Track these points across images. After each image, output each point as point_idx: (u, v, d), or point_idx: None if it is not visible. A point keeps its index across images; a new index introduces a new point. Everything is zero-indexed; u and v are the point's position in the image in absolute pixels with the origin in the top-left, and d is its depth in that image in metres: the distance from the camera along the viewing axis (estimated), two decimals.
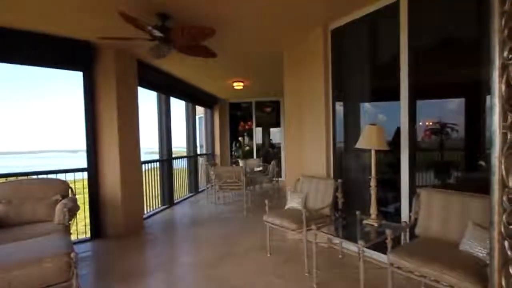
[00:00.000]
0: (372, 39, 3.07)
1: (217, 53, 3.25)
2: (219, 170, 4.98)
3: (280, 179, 7.25)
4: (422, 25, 2.53)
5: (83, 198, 3.75)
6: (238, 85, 6.05)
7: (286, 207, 3.16)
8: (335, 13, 2.96)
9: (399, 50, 2.50)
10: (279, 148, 8.41)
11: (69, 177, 3.61)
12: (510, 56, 1.14)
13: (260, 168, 6.03)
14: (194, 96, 6.61)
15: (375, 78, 3.20)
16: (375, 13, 2.73)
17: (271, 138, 9.01)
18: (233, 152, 7.87)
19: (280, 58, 3.93)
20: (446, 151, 3.54)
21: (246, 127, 8.05)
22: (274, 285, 2.44)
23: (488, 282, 1.50)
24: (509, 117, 1.16)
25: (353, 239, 2.19)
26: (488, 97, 2.93)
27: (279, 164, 7.49)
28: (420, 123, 3.28)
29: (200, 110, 7.92)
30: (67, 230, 2.65)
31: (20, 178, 3.31)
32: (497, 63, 1.20)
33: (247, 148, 5.96)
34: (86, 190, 3.80)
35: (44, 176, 3.40)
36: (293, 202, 3.09)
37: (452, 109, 3.33)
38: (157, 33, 2.66)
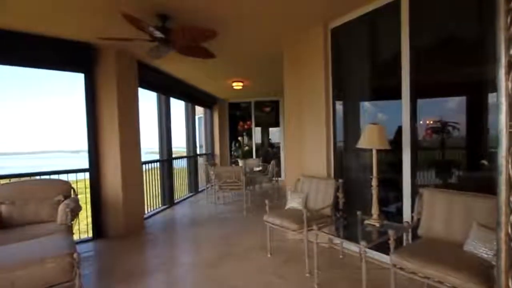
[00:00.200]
0: (372, 38, 3.04)
1: (216, 53, 3.24)
2: (218, 170, 4.95)
3: (279, 178, 7.22)
4: (423, 23, 2.49)
5: (85, 198, 3.77)
6: (237, 85, 6.02)
7: (287, 207, 3.12)
8: (335, 12, 2.92)
9: (400, 49, 2.47)
10: (278, 147, 8.38)
11: (71, 177, 3.64)
12: None
13: (260, 168, 6.00)
14: (193, 96, 6.59)
15: (375, 77, 3.16)
16: (375, 12, 2.69)
17: (270, 137, 8.98)
18: (232, 152, 7.84)
19: (280, 58, 3.89)
20: (447, 150, 3.51)
21: (246, 127, 8.02)
22: (274, 285, 2.41)
23: (493, 284, 1.47)
24: None
25: (355, 240, 2.15)
26: (490, 95, 2.92)
27: (278, 164, 7.46)
28: (421, 122, 3.26)
29: (199, 110, 7.89)
30: (69, 230, 2.65)
31: (23, 179, 3.31)
32: (503, 61, 1.17)
33: (247, 148, 5.92)
34: (88, 190, 3.81)
35: (47, 176, 3.41)
36: (293, 202, 3.05)
37: (452, 108, 3.30)
38: (158, 34, 2.63)
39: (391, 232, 1.88)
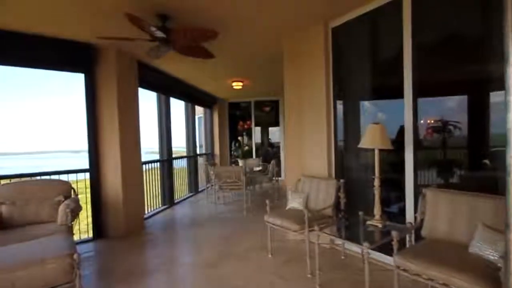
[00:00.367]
0: (373, 36, 3.00)
1: (216, 53, 3.21)
2: (218, 170, 4.91)
3: (279, 178, 7.19)
4: (426, 21, 2.45)
5: (85, 198, 3.75)
6: (237, 85, 5.98)
7: (287, 207, 3.08)
8: (336, 11, 2.88)
9: (402, 47, 2.42)
10: (278, 147, 8.34)
11: (72, 177, 3.62)
12: None
13: (260, 168, 5.96)
14: (193, 96, 6.55)
15: (376, 76, 3.12)
16: (377, 10, 2.65)
17: (270, 137, 8.94)
18: (232, 152, 7.80)
19: (280, 58, 3.86)
20: (448, 149, 3.48)
21: (245, 126, 7.99)
22: (276, 286, 2.37)
23: (499, 286, 1.43)
24: None
25: (357, 241, 2.12)
26: (492, 94, 2.88)
27: (278, 164, 7.43)
28: (422, 121, 3.23)
29: (199, 110, 7.85)
30: (70, 230, 2.63)
31: (23, 179, 3.28)
32: (510, 59, 1.13)
33: (247, 147, 5.87)
34: (89, 190, 3.79)
35: (47, 177, 3.39)
36: (294, 203, 3.01)
37: (451, 107, 3.27)
38: (159, 34, 2.60)
39: (394, 234, 1.84)
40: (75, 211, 2.73)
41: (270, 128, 8.86)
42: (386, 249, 2.21)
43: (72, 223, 2.67)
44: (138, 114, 4.12)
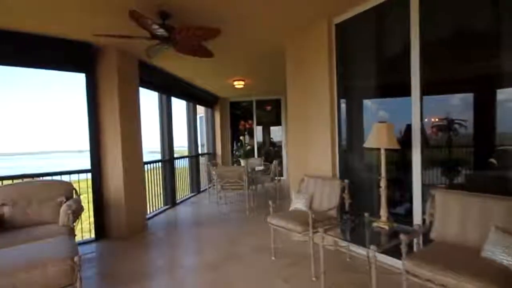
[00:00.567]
0: (379, 32, 2.91)
1: (218, 51, 3.16)
2: (220, 170, 4.84)
3: (282, 178, 7.11)
4: (435, 16, 2.36)
5: (87, 198, 3.74)
6: (238, 84, 5.90)
7: (291, 208, 3.00)
8: (340, 6, 2.78)
9: (409, 43, 2.33)
10: (280, 146, 8.25)
11: (74, 177, 3.62)
12: None
13: (262, 168, 5.88)
14: (195, 96, 6.49)
15: (382, 73, 3.03)
16: (383, 5, 2.55)
17: (271, 136, 8.86)
18: (234, 152, 7.73)
19: (282, 55, 3.78)
20: (453, 148, 3.39)
21: (247, 126, 7.92)
22: None
23: None
24: None
25: (363, 243, 2.03)
26: (498, 91, 2.79)
27: (280, 163, 7.35)
28: (425, 120, 3.15)
29: (201, 110, 7.78)
30: (71, 232, 2.61)
31: (26, 180, 3.26)
32: None
33: (248, 147, 5.79)
34: (91, 190, 3.76)
35: (49, 177, 3.38)
36: (298, 203, 2.94)
37: (455, 105, 3.19)
38: (161, 32, 2.53)
39: (403, 237, 1.76)
40: (77, 212, 2.71)
41: (271, 127, 8.78)
42: (393, 252, 2.13)
43: (74, 224, 2.68)
44: (139, 114, 4.08)
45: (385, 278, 2.21)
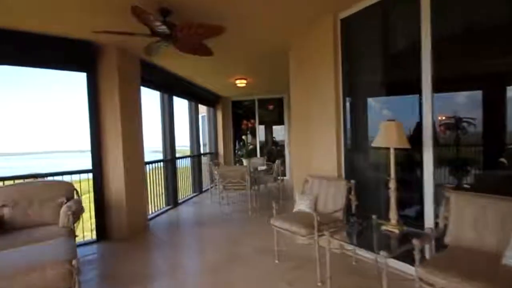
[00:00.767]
0: (386, 27, 2.77)
1: (219, 50, 3.08)
2: (222, 170, 4.73)
3: (285, 177, 6.99)
4: (447, 8, 2.22)
5: (89, 198, 3.68)
6: (241, 83, 5.78)
7: (294, 209, 2.89)
8: (346, 0, 2.66)
9: (420, 39, 2.19)
10: (283, 145, 8.12)
11: (77, 177, 3.60)
12: None
13: (264, 167, 5.76)
14: (196, 95, 6.39)
15: (390, 70, 2.90)
16: None
17: (274, 136, 8.74)
18: (236, 151, 7.61)
19: (285, 53, 3.66)
20: (462, 147, 3.26)
21: (249, 125, 7.80)
22: None
23: None
24: None
25: (372, 248, 1.91)
26: (508, 88, 2.65)
27: (283, 163, 7.22)
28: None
29: (203, 109, 7.68)
30: (71, 233, 2.53)
31: (27, 180, 3.20)
32: None
33: (251, 146, 5.67)
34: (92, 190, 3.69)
35: (51, 178, 3.35)
36: (302, 205, 2.81)
37: (463, 103, 3.05)
38: (163, 29, 2.44)
39: (416, 242, 1.63)
40: (77, 213, 2.65)
41: (274, 127, 8.66)
42: (403, 257, 2.01)
43: (74, 225, 2.63)
44: (140, 113, 4.02)
45: (396, 285, 2.09)
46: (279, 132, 8.53)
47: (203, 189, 6.57)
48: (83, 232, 3.71)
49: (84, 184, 3.70)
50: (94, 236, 3.66)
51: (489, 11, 2.19)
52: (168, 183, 5.27)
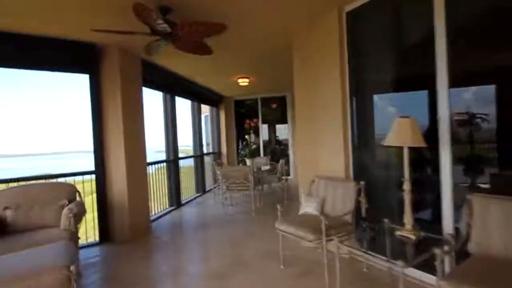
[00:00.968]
0: (396, 19, 2.57)
1: (221, 48, 2.98)
2: (225, 170, 4.57)
3: (289, 177, 6.81)
4: None
5: (92, 199, 3.63)
6: (243, 81, 5.63)
7: (300, 212, 2.71)
8: None
9: (433, 30, 1.99)
10: (286, 144, 7.94)
11: (80, 178, 3.57)
12: None
13: (268, 167, 5.59)
14: (199, 95, 6.26)
15: (400, 65, 2.69)
16: None
17: (277, 135, 8.57)
18: (239, 151, 7.46)
19: (288, 50, 3.49)
20: (476, 144, 3.06)
21: (252, 124, 7.64)
22: None
23: None
24: None
25: (382, 252, 1.73)
26: None
27: (287, 162, 7.04)
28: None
29: (206, 109, 7.54)
30: (73, 236, 2.50)
31: (31, 182, 3.17)
32: None
33: (254, 146, 5.51)
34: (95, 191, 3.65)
35: (54, 180, 3.31)
36: (308, 207, 2.64)
37: (475, 98, 2.86)
38: (164, 28, 2.33)
39: (438, 252, 1.45)
40: (78, 216, 2.63)
41: (277, 125, 8.48)
42: (419, 264, 1.82)
43: (77, 227, 2.62)
44: (143, 114, 3.95)
45: None
46: (282, 131, 8.36)
47: (206, 190, 6.44)
48: (86, 234, 3.65)
49: (89, 185, 3.65)
50: (98, 238, 3.58)
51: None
52: (171, 184, 5.16)
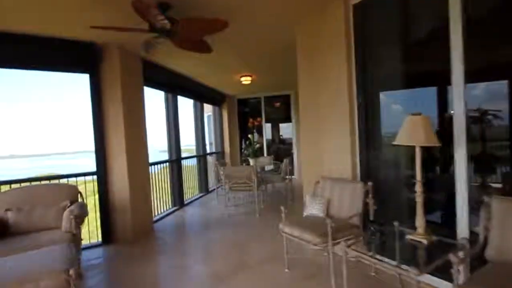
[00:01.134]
0: (406, 11, 2.45)
1: (222, 45, 2.87)
2: (228, 170, 4.48)
3: (293, 177, 6.71)
4: None
5: (94, 200, 3.59)
6: (246, 80, 5.53)
7: (305, 214, 2.62)
8: None
9: (448, 21, 1.87)
10: (290, 144, 7.82)
11: (83, 178, 3.55)
12: None
13: (272, 167, 5.49)
14: (201, 94, 6.19)
15: (411, 60, 2.57)
16: None
17: (281, 134, 8.44)
18: (243, 150, 7.37)
19: (292, 47, 3.37)
20: (487, 142, 2.93)
21: (255, 123, 7.53)
22: None
23: None
24: None
25: (394, 258, 1.63)
26: None
27: (291, 162, 6.92)
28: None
29: (208, 108, 7.47)
30: (74, 238, 2.47)
31: (34, 183, 3.15)
32: None
33: (257, 145, 5.40)
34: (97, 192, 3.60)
35: (56, 181, 3.29)
36: (313, 209, 2.55)
37: (477, 94, 2.74)
38: (164, 24, 2.27)
39: (454, 259, 1.34)
40: (79, 217, 2.59)
41: (280, 124, 8.36)
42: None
43: (78, 228, 2.58)
44: (144, 114, 3.89)
45: None
46: (286, 130, 8.23)
47: (210, 189, 6.37)
48: (89, 235, 3.62)
49: (93, 186, 3.61)
50: (100, 239, 3.55)
51: None
52: (174, 184, 5.10)
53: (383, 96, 2.95)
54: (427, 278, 1.96)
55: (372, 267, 2.32)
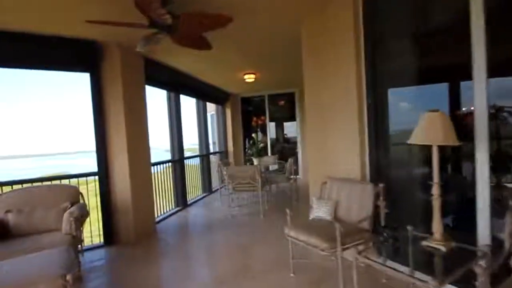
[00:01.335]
0: (419, 0, 2.30)
1: (225, 41, 2.78)
2: (232, 170, 4.37)
3: (298, 177, 6.57)
4: None
5: (96, 201, 3.52)
6: (249, 78, 5.41)
7: (311, 216, 2.50)
8: None
9: (469, 12, 1.72)
10: (295, 142, 7.67)
11: (84, 179, 3.52)
12: None
13: (276, 166, 5.37)
14: (204, 93, 6.09)
15: (425, 55, 2.42)
16: None
17: (285, 133, 8.31)
18: (246, 150, 7.26)
19: (297, 42, 3.25)
20: (502, 140, 2.78)
21: (259, 122, 7.40)
22: None
23: None
24: None
25: (408, 265, 1.50)
26: None
27: (296, 161, 6.79)
28: (464, 109, 2.58)
29: (211, 108, 7.37)
30: (74, 240, 2.45)
31: (35, 184, 3.13)
32: None
33: (261, 145, 5.29)
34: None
35: (57, 181, 3.25)
36: (319, 211, 2.42)
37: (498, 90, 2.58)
38: (166, 19, 2.19)
39: (479, 270, 1.22)
40: (79, 219, 2.56)
41: (285, 123, 8.22)
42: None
43: (79, 230, 2.57)
44: (146, 113, 3.82)
45: None
46: (290, 128, 8.09)
47: (213, 189, 6.28)
48: (91, 236, 3.57)
49: (93, 187, 3.55)
50: (102, 240, 3.48)
51: None
52: (177, 184, 5.03)
53: (390, 93, 2.81)
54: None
55: (383, 273, 2.19)
